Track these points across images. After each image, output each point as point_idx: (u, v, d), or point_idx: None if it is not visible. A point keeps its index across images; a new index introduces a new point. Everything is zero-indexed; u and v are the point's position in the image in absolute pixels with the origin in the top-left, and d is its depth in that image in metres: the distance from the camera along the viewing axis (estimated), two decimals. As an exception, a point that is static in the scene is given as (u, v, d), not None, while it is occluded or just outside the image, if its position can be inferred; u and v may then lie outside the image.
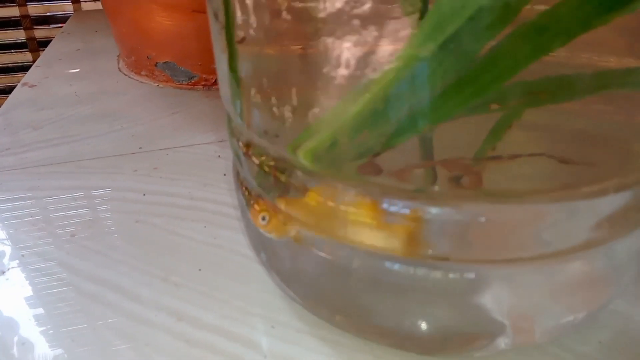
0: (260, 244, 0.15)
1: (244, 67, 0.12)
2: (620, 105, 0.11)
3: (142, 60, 0.33)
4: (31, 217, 0.20)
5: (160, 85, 0.33)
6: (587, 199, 0.11)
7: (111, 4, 0.33)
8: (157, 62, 0.32)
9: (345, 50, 0.10)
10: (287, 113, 0.12)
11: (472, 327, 0.13)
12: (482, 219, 0.11)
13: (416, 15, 0.10)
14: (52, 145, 0.26)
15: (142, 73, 0.34)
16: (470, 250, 0.11)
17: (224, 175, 0.23)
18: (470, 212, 0.11)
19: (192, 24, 0.30)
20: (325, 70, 0.11)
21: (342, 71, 0.11)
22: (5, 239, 0.19)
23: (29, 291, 0.16)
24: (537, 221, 0.11)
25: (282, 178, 0.13)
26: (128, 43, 0.34)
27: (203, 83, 0.32)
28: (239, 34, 0.12)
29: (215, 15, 0.12)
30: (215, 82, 0.32)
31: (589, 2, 0.09)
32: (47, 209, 0.21)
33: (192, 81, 0.32)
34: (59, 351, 0.14)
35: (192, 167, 0.23)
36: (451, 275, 0.12)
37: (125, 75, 0.35)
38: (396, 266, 0.12)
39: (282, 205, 0.12)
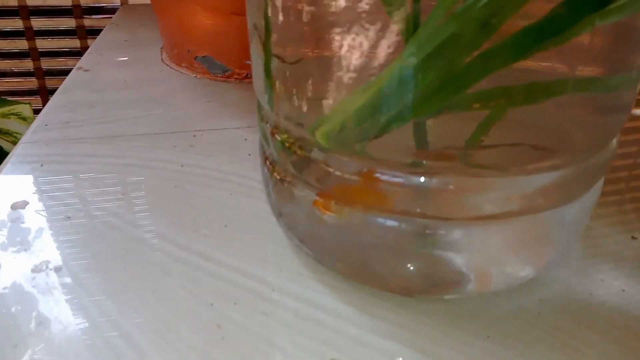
0: (279, 210, 0.19)
1: (276, 70, 0.16)
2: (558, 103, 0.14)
3: (184, 53, 0.37)
4: (89, 177, 0.24)
5: (198, 77, 0.37)
6: (528, 174, 0.15)
7: (159, 2, 0.37)
8: (196, 56, 0.37)
9: (352, 57, 0.14)
10: (308, 104, 0.16)
11: (445, 275, 0.16)
12: (453, 186, 0.15)
13: (407, 33, 0.13)
14: (104, 122, 0.30)
15: (183, 65, 0.38)
16: (444, 209, 0.15)
17: (249, 155, 0.27)
18: (447, 181, 0.15)
19: (230, 25, 0.34)
20: (336, 72, 0.14)
21: (349, 74, 0.14)
22: (70, 194, 0.23)
23: (91, 232, 0.21)
24: (491, 189, 0.15)
25: (300, 153, 0.16)
26: (172, 37, 0.38)
27: (236, 76, 0.36)
28: (294, 55, 0.15)
29: (255, 27, 0.16)
30: (247, 76, 0.36)
31: (526, 36, 0.13)
32: (102, 172, 0.25)
33: (226, 74, 0.36)
34: (117, 281, 0.18)
35: (222, 147, 0.27)
36: (428, 231, 0.15)
37: (167, 65, 0.39)
38: (388, 222, 0.16)
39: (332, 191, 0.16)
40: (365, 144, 0.15)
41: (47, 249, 0.20)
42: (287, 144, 0.17)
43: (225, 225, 0.21)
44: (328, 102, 0.15)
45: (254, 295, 0.17)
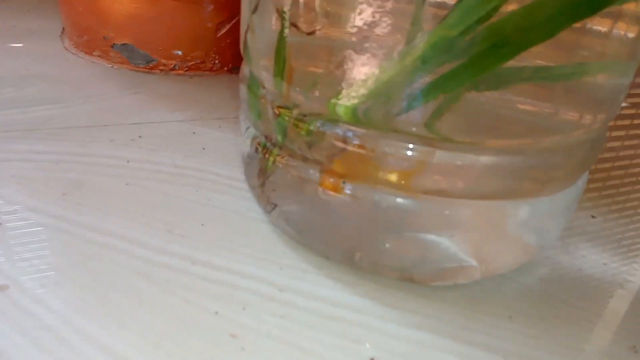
0: (274, 201, 0.17)
1: (290, 41, 0.14)
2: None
3: (97, 40, 0.33)
4: (14, 177, 0.20)
5: (115, 67, 0.33)
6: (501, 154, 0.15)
7: (66, -19, 0.33)
8: (114, 44, 0.33)
9: (378, 27, 0.13)
10: (326, 78, 0.14)
11: (450, 261, 0.16)
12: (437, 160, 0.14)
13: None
14: (16, 114, 0.25)
15: (95, 53, 0.34)
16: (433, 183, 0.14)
17: (203, 149, 0.24)
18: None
19: (157, 9, 0.31)
20: (359, 44, 0.13)
21: (374, 44, 0.13)
22: (-9, 195, 0.19)
23: (36, 240, 0.17)
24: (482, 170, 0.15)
25: (311, 129, 0.15)
26: (82, 22, 0.33)
27: (161, 67, 0.33)
28: (312, 24, 0.14)
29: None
30: (174, 68, 0.33)
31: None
32: (28, 170, 0.21)
33: (150, 65, 0.33)
34: (89, 295, 0.15)
35: (169, 141, 0.24)
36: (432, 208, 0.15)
37: (74, 54, 0.34)
38: (401, 200, 0.15)
39: (336, 166, 0.15)
40: (390, 117, 0.14)
41: (-19, 263, 0.16)
42: (295, 121, 0.15)
43: (203, 224, 0.19)
44: (349, 76, 0.14)
45: (262, 297, 0.15)
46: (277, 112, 0.16)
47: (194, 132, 0.25)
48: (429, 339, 0.15)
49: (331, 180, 0.15)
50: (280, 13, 0.14)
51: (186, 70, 0.33)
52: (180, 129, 0.26)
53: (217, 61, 0.33)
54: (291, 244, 0.18)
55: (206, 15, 0.32)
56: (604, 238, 0.21)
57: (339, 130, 0.15)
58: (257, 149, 0.17)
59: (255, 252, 0.17)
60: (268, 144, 0.17)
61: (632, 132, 0.30)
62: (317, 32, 0.14)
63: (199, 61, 0.33)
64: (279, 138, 0.16)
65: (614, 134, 0.29)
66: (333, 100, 0.14)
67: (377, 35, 0.13)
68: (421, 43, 0.13)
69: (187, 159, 0.23)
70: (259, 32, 0.16)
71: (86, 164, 0.22)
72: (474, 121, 0.14)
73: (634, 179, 0.26)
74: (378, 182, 0.15)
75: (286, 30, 0.15)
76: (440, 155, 0.14)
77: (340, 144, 0.15)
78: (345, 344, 0.14)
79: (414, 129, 0.14)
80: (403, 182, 0.15)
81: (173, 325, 0.14)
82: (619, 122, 0.29)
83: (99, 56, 0.34)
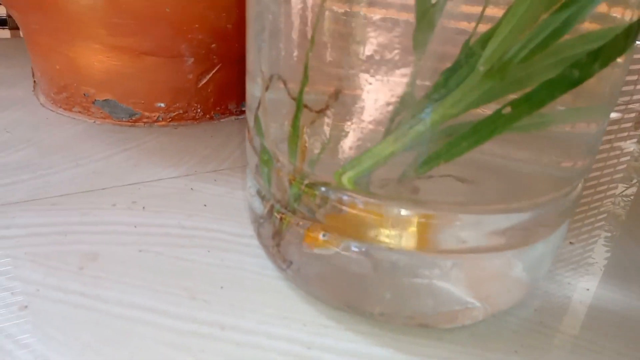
0: (287, 259, 0.18)
1: (302, 119, 0.16)
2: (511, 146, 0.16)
3: (77, 96, 0.33)
4: (26, 255, 0.20)
5: (97, 122, 0.33)
6: (490, 214, 0.16)
7: (40, 41, 0.33)
8: (95, 100, 0.33)
9: (374, 109, 0.15)
10: (333, 153, 0.16)
11: (457, 305, 0.18)
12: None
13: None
14: (6, 184, 0.25)
15: (75, 109, 0.34)
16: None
17: (205, 206, 0.25)
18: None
19: (139, 65, 0.31)
20: (360, 125, 0.15)
21: (371, 124, 0.15)
22: (9, 276, 0.19)
23: (62, 320, 0.17)
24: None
25: (320, 195, 0.16)
26: (60, 80, 0.34)
27: (145, 120, 0.33)
28: (319, 103, 0.15)
29: (279, 78, 0.16)
30: (158, 120, 0.34)
31: (547, 88, 0.14)
32: (39, 245, 0.21)
33: (134, 118, 0.33)
34: (125, 367, 0.16)
35: (170, 200, 0.25)
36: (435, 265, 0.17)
37: (53, 111, 0.35)
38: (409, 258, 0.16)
39: (331, 221, 0.16)
40: (388, 186, 0.16)
41: (12, 349, 0.16)
42: (305, 189, 0.17)
43: (222, 287, 0.20)
44: (354, 149, 0.16)
45: (292, 357, 0.17)
46: (290, 181, 0.17)
47: (191, 189, 0.26)
48: (450, 381, 0.16)
49: (319, 235, 0.17)
50: (296, 100, 0.16)
51: (169, 121, 0.34)
52: (178, 186, 0.27)
53: (199, 110, 0.34)
54: (308, 299, 0.19)
55: (187, 68, 0.33)
56: (580, 264, 0.23)
57: (344, 197, 0.16)
58: (270, 212, 0.18)
59: (277, 311, 0.19)
60: (283, 210, 0.18)
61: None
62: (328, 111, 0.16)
63: (181, 111, 0.34)
64: (293, 204, 0.17)
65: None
66: (338, 171, 0.16)
67: (379, 114, 0.15)
68: (422, 122, 0.15)
69: (192, 218, 0.24)
70: (272, 111, 0.17)
71: (95, 234, 0.22)
72: (460, 185, 0.16)
73: (601, 195, 0.29)
74: (379, 241, 0.16)
75: (300, 114, 0.16)
76: (438, 217, 0.16)
77: (345, 208, 0.16)
78: (378, 396, 0.15)
79: (405, 194, 0.16)
80: (404, 241, 0.16)
81: (217, 395, 0.15)
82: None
83: (80, 112, 0.34)
